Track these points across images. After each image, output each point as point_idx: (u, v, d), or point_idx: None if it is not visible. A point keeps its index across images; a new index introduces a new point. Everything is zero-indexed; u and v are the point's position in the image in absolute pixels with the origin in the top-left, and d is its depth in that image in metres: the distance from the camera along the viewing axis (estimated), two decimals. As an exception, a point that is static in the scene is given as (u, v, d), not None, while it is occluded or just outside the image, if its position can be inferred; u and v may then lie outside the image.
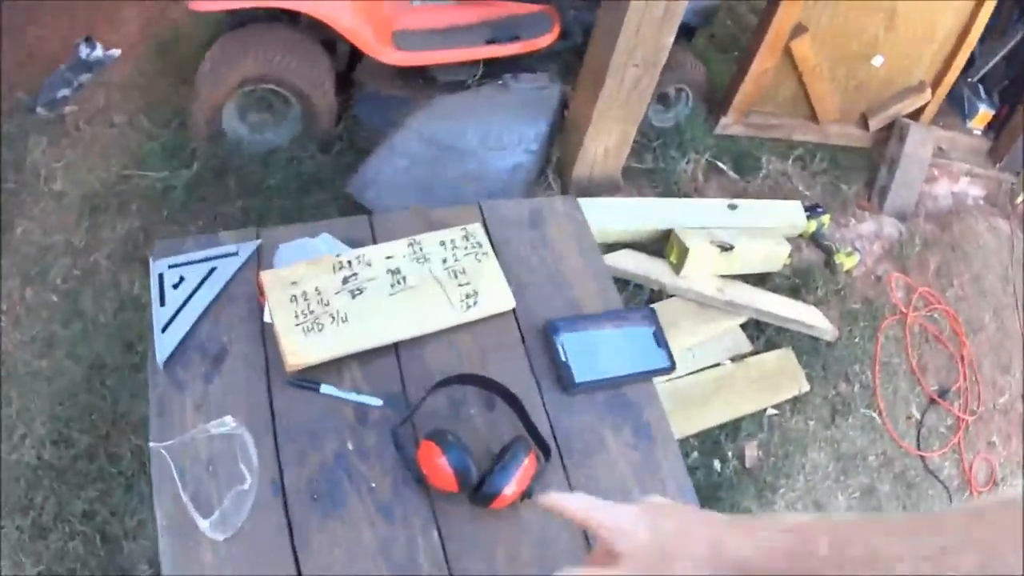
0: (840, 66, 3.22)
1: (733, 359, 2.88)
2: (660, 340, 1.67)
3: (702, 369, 2.82)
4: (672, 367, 1.64)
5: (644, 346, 1.66)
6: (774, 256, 3.00)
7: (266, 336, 1.52)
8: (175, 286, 1.57)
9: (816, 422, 2.88)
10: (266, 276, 1.50)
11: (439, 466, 1.35)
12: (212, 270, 1.60)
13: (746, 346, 2.92)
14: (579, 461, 1.51)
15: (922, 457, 2.93)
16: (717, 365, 2.86)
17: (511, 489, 1.35)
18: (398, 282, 1.55)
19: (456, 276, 1.59)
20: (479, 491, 1.36)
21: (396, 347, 1.55)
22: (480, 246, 1.64)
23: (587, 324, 1.65)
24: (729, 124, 3.35)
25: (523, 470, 1.36)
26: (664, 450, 1.55)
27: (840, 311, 3.13)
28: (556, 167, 2.98)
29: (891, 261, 3.35)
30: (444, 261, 1.60)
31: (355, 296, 1.51)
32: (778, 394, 2.85)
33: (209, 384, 1.47)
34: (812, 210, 3.21)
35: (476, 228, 1.67)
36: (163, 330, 1.51)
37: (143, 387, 1.51)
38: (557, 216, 1.84)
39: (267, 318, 1.50)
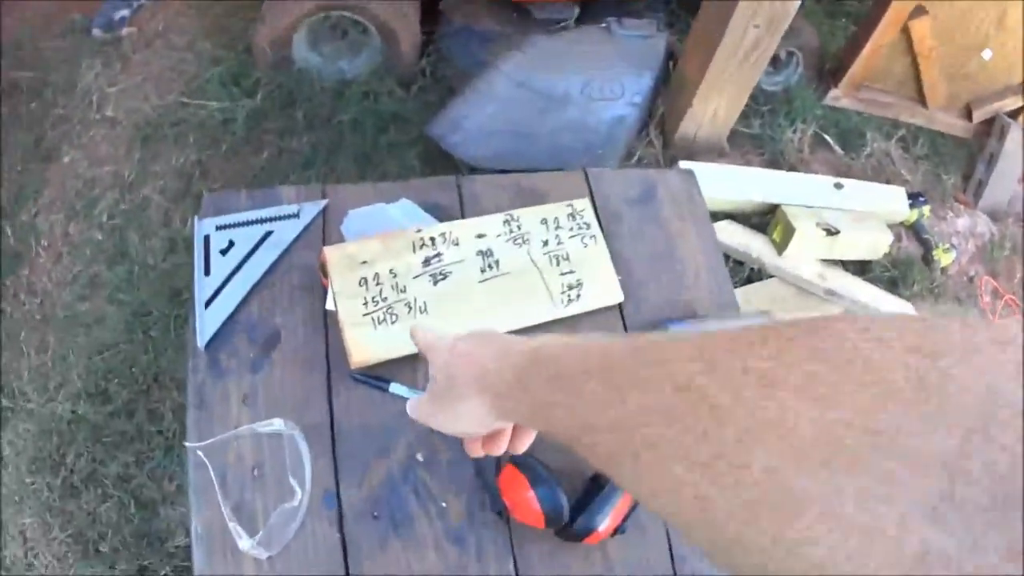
0: (952, 53, 3.03)
1: None
2: None
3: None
4: None
5: None
6: (876, 245, 2.77)
7: (329, 320, 1.28)
8: (223, 252, 1.32)
9: None
10: (331, 253, 1.23)
11: (526, 501, 1.12)
12: (267, 234, 1.35)
13: None
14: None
15: None
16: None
17: (605, 526, 1.14)
18: (490, 266, 1.28)
19: (558, 263, 1.32)
20: (570, 527, 1.14)
21: (482, 344, 1.30)
22: (587, 227, 1.37)
23: (700, 327, 1.40)
24: (839, 96, 3.12)
25: (619, 505, 1.15)
26: None
27: (933, 310, 2.90)
28: (658, 123, 2.69)
29: (983, 263, 3.11)
30: (545, 243, 1.33)
31: (438, 282, 1.25)
32: None
33: (257, 374, 1.24)
34: (915, 199, 2.97)
35: (584, 205, 1.39)
36: (206, 305, 1.27)
37: (190, 340, 1.29)
38: (672, 192, 1.55)
39: (330, 304, 1.24)
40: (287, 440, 1.19)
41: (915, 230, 3.01)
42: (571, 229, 1.35)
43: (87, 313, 2.30)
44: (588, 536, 1.14)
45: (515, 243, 1.31)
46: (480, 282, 1.27)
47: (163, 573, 2.04)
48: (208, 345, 1.25)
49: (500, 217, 1.33)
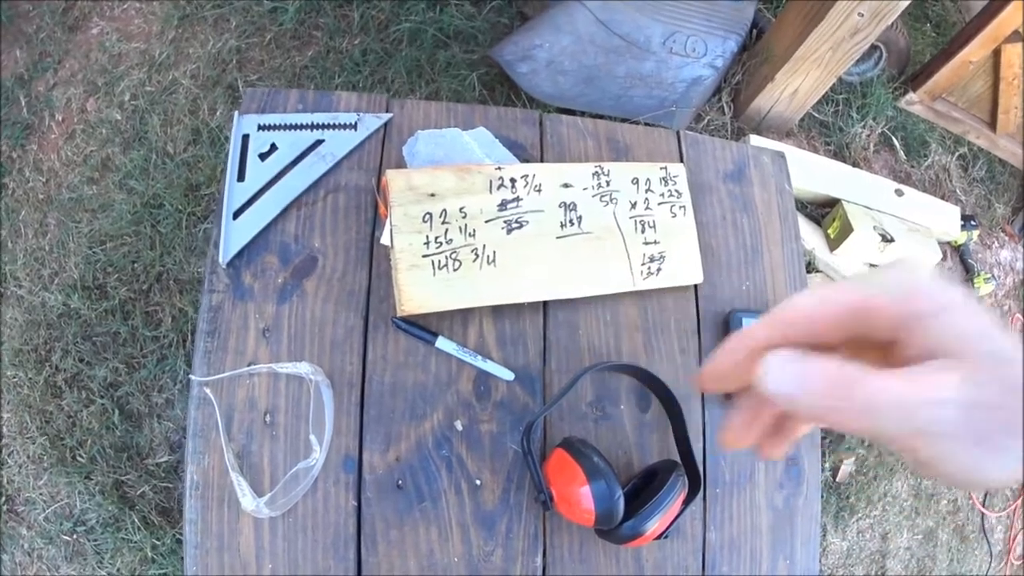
0: None
1: None
2: None
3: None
4: None
5: None
6: (925, 261, 2.65)
7: (376, 253, 1.11)
8: (263, 156, 1.14)
9: None
10: (395, 179, 1.05)
11: (577, 496, 0.97)
12: (317, 143, 1.17)
13: None
14: (723, 496, 1.17)
15: (983, 514, 2.69)
16: (842, 362, 2.50)
17: (651, 529, 1.00)
18: (571, 222, 1.11)
19: (644, 230, 1.15)
20: (617, 529, 1.00)
21: (544, 306, 1.13)
22: (679, 195, 1.19)
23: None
24: (914, 102, 2.98)
25: (672, 508, 1.02)
26: (807, 499, 1.21)
27: None
28: (732, 91, 2.51)
29: (1017, 299, 3.04)
30: (633, 206, 1.15)
31: (512, 230, 1.07)
32: None
33: (284, 304, 1.07)
34: (967, 221, 2.87)
35: (679, 170, 1.21)
36: (235, 215, 1.10)
37: (202, 242, 1.12)
38: (764, 173, 1.38)
39: (385, 239, 1.07)
40: (310, 387, 1.03)
41: (961, 253, 2.93)
42: (662, 195, 1.18)
43: (93, 198, 2.12)
44: (633, 540, 1.00)
45: (602, 200, 1.13)
46: (558, 238, 1.09)
47: (140, 491, 1.90)
48: (231, 263, 1.08)
49: (589, 168, 1.15)
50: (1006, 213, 3.11)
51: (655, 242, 1.15)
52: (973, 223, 2.86)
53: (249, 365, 1.04)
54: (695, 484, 1.09)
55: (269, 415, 1.03)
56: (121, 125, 2.20)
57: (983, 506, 2.66)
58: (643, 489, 1.04)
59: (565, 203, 1.11)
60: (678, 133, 1.33)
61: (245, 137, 1.16)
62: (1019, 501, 2.74)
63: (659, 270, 1.15)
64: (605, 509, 0.97)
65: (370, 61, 2.31)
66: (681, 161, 1.29)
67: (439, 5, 2.39)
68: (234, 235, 1.10)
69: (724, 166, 1.35)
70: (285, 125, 1.17)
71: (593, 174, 1.14)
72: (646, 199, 1.16)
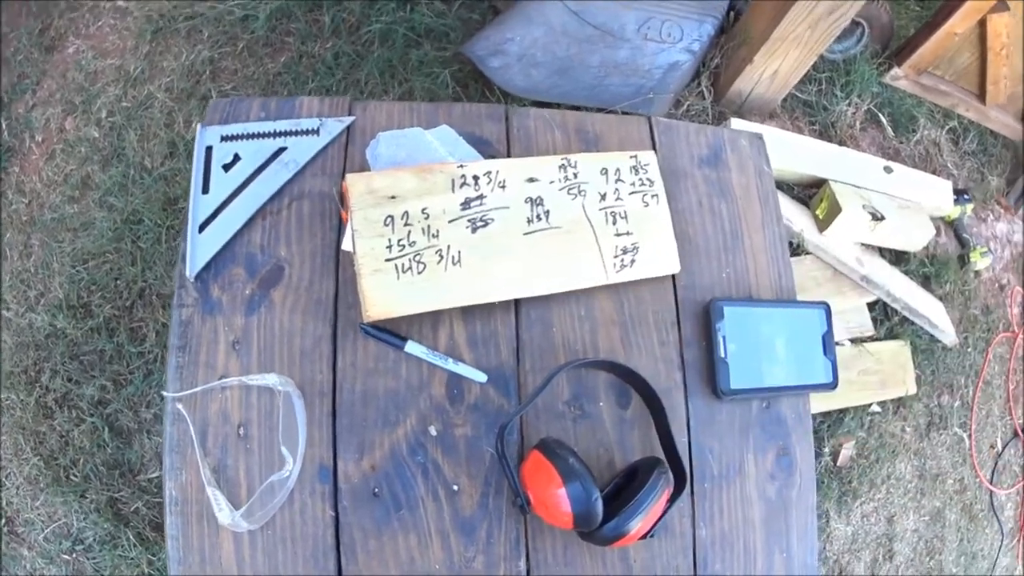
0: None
1: (853, 341, 2.53)
2: (828, 347, 1.27)
3: (822, 345, 2.46)
4: (834, 384, 1.26)
5: (810, 352, 1.26)
6: (918, 237, 2.63)
7: (342, 260, 1.09)
8: (226, 167, 1.13)
9: (912, 431, 2.58)
10: (355, 182, 1.03)
11: (553, 499, 0.96)
12: (280, 151, 1.15)
13: (869, 329, 2.57)
14: (711, 490, 1.15)
15: (991, 492, 2.65)
16: (836, 344, 2.46)
17: (636, 530, 0.98)
18: (538, 216, 1.09)
19: (615, 221, 1.13)
20: (598, 531, 0.99)
21: (516, 304, 1.12)
22: (651, 184, 1.17)
23: (755, 313, 1.23)
24: (899, 77, 2.94)
25: (655, 507, 1.00)
26: (801, 489, 1.20)
27: (962, 314, 2.77)
28: (711, 75, 2.49)
29: (1016, 272, 2.99)
30: (603, 197, 1.14)
31: (477, 229, 1.06)
32: (886, 391, 2.53)
33: (253, 315, 1.06)
34: (959, 195, 2.84)
35: (649, 158, 1.19)
36: (200, 228, 1.08)
37: (179, 268, 1.12)
38: (741, 156, 1.36)
39: (347, 244, 1.05)
40: (280, 398, 1.01)
41: (955, 227, 2.89)
42: (633, 184, 1.16)
43: (75, 217, 2.12)
44: (617, 541, 0.99)
45: (569, 193, 1.12)
46: (525, 234, 1.08)
47: (134, 507, 1.90)
48: (199, 276, 1.06)
49: (556, 160, 1.13)
50: (1000, 185, 3.07)
51: (627, 233, 1.13)
52: (966, 197, 2.83)
53: (221, 379, 1.04)
54: (680, 480, 1.07)
55: (243, 428, 1.02)
56: (99, 142, 2.20)
57: (991, 484, 2.63)
58: (625, 488, 1.03)
59: (531, 198, 1.09)
60: (650, 120, 1.31)
61: (208, 149, 1.15)
62: None
63: (633, 262, 1.13)
64: (582, 511, 0.95)
65: (343, 64, 2.29)
66: (653, 148, 1.27)
67: (409, 4, 2.37)
68: (200, 248, 1.09)
69: (699, 151, 1.33)
70: (247, 134, 1.16)
71: (560, 167, 1.12)
72: (616, 189, 1.15)
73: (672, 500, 1.04)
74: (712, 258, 1.25)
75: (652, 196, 1.17)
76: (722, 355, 1.17)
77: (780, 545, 1.15)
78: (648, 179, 1.17)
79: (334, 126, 1.17)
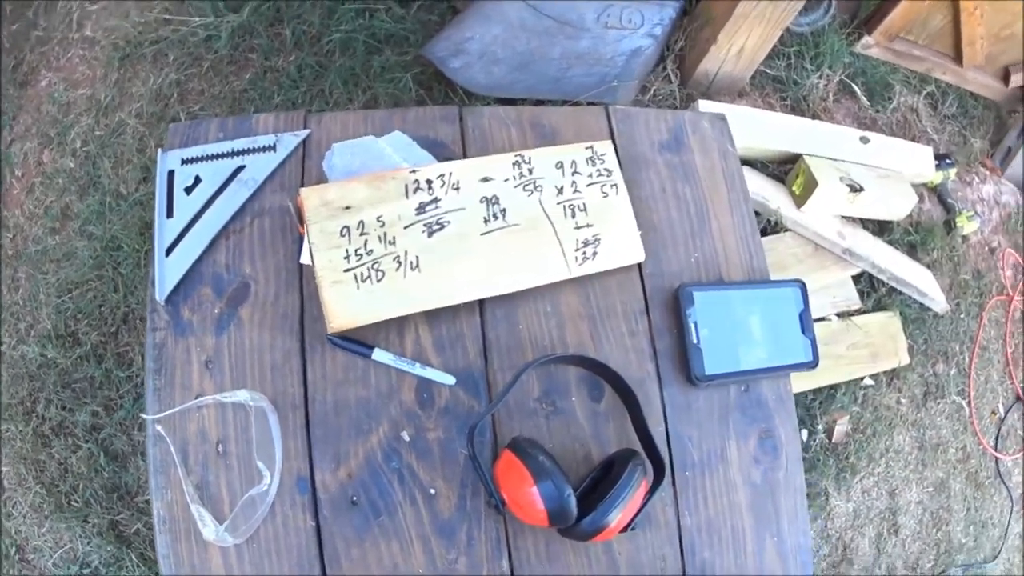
0: (999, 13, 2.81)
1: (840, 315, 2.52)
2: (806, 325, 1.27)
3: (808, 323, 2.45)
4: (815, 363, 1.26)
5: (787, 332, 1.26)
6: (900, 206, 2.61)
7: (306, 275, 1.10)
8: (188, 190, 1.14)
9: (908, 402, 2.56)
10: (309, 196, 1.05)
11: (528, 498, 0.97)
12: (239, 169, 1.17)
13: (856, 303, 2.56)
14: (693, 478, 1.15)
15: (996, 459, 2.63)
16: (823, 319, 2.49)
17: (616, 523, 0.99)
18: (495, 216, 1.10)
19: (574, 214, 1.14)
20: (576, 526, 1.00)
21: (480, 305, 1.13)
22: (609, 174, 1.18)
23: (726, 296, 1.24)
24: (870, 45, 2.91)
25: (633, 499, 1.01)
26: (787, 471, 1.20)
27: (952, 280, 2.76)
28: (676, 58, 2.49)
29: (1006, 234, 2.95)
30: (560, 191, 1.15)
31: (433, 233, 1.07)
32: (878, 363, 2.51)
33: (223, 334, 1.07)
34: (941, 160, 2.81)
35: (606, 148, 1.20)
36: (167, 252, 1.10)
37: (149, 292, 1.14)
38: (703, 139, 1.36)
39: (305, 258, 1.07)
40: (254, 413, 1.03)
41: (939, 193, 2.87)
42: (590, 175, 1.17)
43: (57, 247, 2.14)
44: (596, 535, 1.00)
45: (525, 189, 1.13)
46: (483, 234, 1.09)
47: (135, 528, 1.93)
48: (169, 299, 1.08)
49: (509, 158, 1.14)
50: (984, 147, 3.04)
51: (587, 225, 1.15)
52: (949, 161, 2.81)
53: (196, 398, 1.05)
54: (659, 470, 1.08)
55: (221, 445, 1.04)
56: (75, 172, 2.22)
57: (996, 450, 2.63)
58: (602, 481, 1.04)
59: (486, 197, 1.10)
60: (607, 109, 1.32)
61: (170, 173, 1.17)
62: None
63: (595, 254, 1.14)
64: (556, 508, 0.96)
65: (307, 76, 2.31)
66: (612, 138, 1.28)
67: (368, 11, 2.38)
68: (168, 272, 1.10)
69: (659, 136, 1.33)
70: (207, 156, 1.18)
71: (514, 164, 1.14)
72: (573, 182, 1.16)
73: (652, 491, 1.05)
74: (679, 244, 1.26)
75: (611, 186, 1.18)
76: (695, 341, 1.18)
77: (770, 529, 1.16)
78: (606, 169, 1.18)
79: (289, 140, 1.18)
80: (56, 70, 2.39)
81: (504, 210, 1.11)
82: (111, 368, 2.01)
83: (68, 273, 2.10)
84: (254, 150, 1.17)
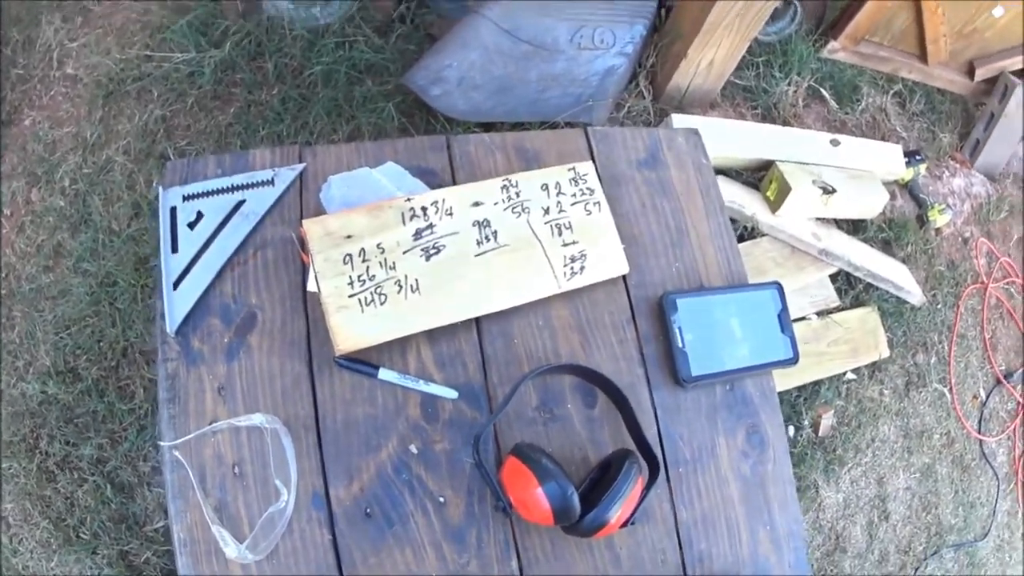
0: (961, 9, 2.90)
1: (819, 314, 2.59)
2: (784, 324, 1.35)
3: (788, 322, 2.50)
4: (795, 359, 1.34)
5: (767, 331, 1.34)
6: (872, 204, 2.68)
7: (309, 299, 1.16)
8: (191, 225, 1.20)
9: (891, 392, 2.64)
10: (312, 228, 1.11)
11: (533, 499, 1.03)
12: (239, 204, 1.22)
13: (834, 300, 2.62)
14: (687, 474, 1.22)
15: (980, 441, 2.72)
16: (803, 319, 2.56)
17: (615, 519, 1.06)
18: (487, 238, 1.17)
19: (560, 232, 1.21)
20: (579, 523, 1.06)
21: (477, 322, 1.19)
22: (591, 192, 1.25)
23: (708, 301, 1.31)
24: (837, 49, 2.98)
25: (631, 496, 1.07)
26: (775, 463, 1.27)
27: (927, 272, 2.84)
28: (649, 74, 2.56)
29: (978, 224, 3.05)
30: (546, 211, 1.21)
31: (430, 256, 1.13)
32: (859, 358, 2.58)
33: (233, 362, 1.13)
34: (911, 157, 2.88)
35: (587, 168, 1.27)
36: (175, 285, 1.15)
37: (156, 312, 1.19)
38: (678, 154, 1.44)
39: (311, 286, 1.13)
40: (268, 435, 1.08)
41: (910, 189, 2.94)
42: (574, 195, 1.24)
43: (52, 285, 2.17)
44: (598, 531, 1.06)
45: (514, 212, 1.19)
46: (477, 256, 1.15)
47: (144, 558, 1.96)
48: (179, 330, 1.13)
49: (497, 183, 1.21)
50: (953, 141, 3.13)
51: (574, 242, 1.21)
52: (918, 157, 2.89)
53: (211, 424, 1.10)
54: (654, 468, 1.14)
55: (237, 467, 1.08)
56: (66, 210, 2.25)
57: (979, 433, 2.70)
58: (600, 481, 1.10)
59: (478, 221, 1.17)
60: (586, 130, 1.39)
61: (173, 209, 1.22)
62: (1017, 420, 2.78)
63: (582, 268, 1.21)
64: (560, 506, 1.02)
65: (290, 108, 2.36)
66: (591, 158, 1.35)
67: (347, 43, 2.44)
68: (177, 304, 1.15)
69: (636, 154, 1.40)
70: (207, 192, 1.23)
71: (502, 188, 1.20)
72: (558, 202, 1.22)
73: (648, 487, 1.11)
74: (660, 255, 1.33)
75: (594, 204, 1.25)
76: (680, 345, 1.25)
77: (762, 519, 1.22)
78: (588, 188, 1.25)
79: (287, 174, 1.24)
80: (40, 108, 2.42)
81: (495, 232, 1.17)
82: (113, 401, 2.04)
83: (65, 310, 2.13)
84: (253, 185, 1.23)
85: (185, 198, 1.22)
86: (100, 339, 2.10)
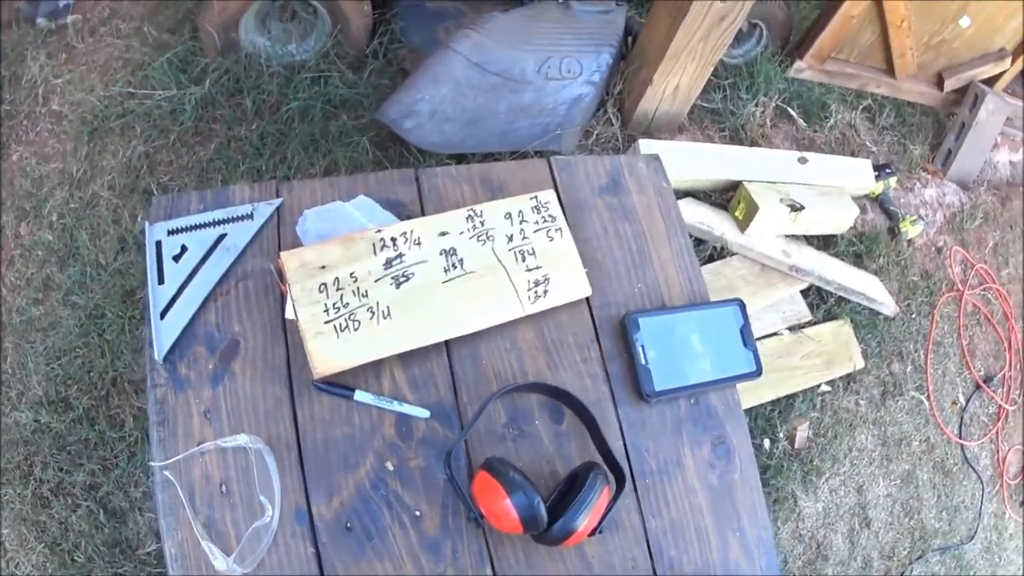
0: (927, 22, 2.96)
1: (791, 329, 2.64)
2: (747, 338, 1.41)
3: (760, 338, 2.54)
4: (759, 372, 1.40)
5: (730, 346, 1.40)
6: (842, 219, 2.74)
7: (288, 326, 1.23)
8: (176, 258, 1.27)
9: (867, 403, 2.68)
10: (289, 259, 1.19)
11: (503, 509, 1.10)
12: (221, 237, 1.30)
13: (806, 315, 2.67)
14: (654, 485, 1.28)
15: (962, 445, 2.76)
16: (775, 334, 2.61)
17: (583, 527, 1.12)
18: (453, 266, 1.24)
19: (524, 258, 1.29)
20: (548, 532, 1.13)
21: (447, 345, 1.26)
22: (553, 219, 1.33)
23: (669, 319, 1.38)
24: (803, 69, 3.04)
25: (597, 505, 1.13)
26: (742, 472, 1.33)
27: (900, 283, 2.89)
28: (616, 101, 2.64)
29: (951, 233, 3.10)
30: (510, 239, 1.29)
31: (400, 284, 1.21)
32: (833, 370, 2.63)
33: (218, 387, 1.19)
34: (881, 170, 2.95)
35: (549, 196, 1.35)
36: (162, 315, 1.22)
37: (144, 342, 1.25)
38: (639, 179, 1.52)
39: (289, 313, 1.20)
40: (253, 455, 1.15)
41: (881, 202, 2.98)
42: (536, 223, 1.32)
43: (42, 317, 2.23)
44: (567, 539, 1.12)
45: (479, 240, 1.27)
46: (444, 283, 1.23)
47: (138, 579, 2.01)
48: (166, 358, 1.20)
49: (463, 213, 1.28)
50: (924, 152, 3.18)
51: (537, 267, 1.29)
52: (889, 171, 2.94)
53: (199, 445, 1.16)
54: (620, 479, 1.21)
55: (224, 485, 1.15)
56: (54, 244, 2.31)
57: (960, 438, 2.73)
58: (568, 493, 1.16)
59: (445, 250, 1.24)
60: (548, 160, 1.47)
61: (158, 243, 1.29)
62: (999, 424, 2.81)
63: (546, 292, 1.28)
64: (528, 515, 1.09)
65: (268, 144, 2.44)
66: (555, 186, 1.43)
67: (323, 79, 2.52)
68: (164, 333, 1.22)
69: (599, 181, 1.48)
70: (191, 226, 1.30)
71: (467, 218, 1.28)
72: (521, 230, 1.30)
73: (615, 497, 1.17)
74: (623, 277, 1.41)
75: (556, 230, 1.32)
76: (643, 362, 1.31)
77: (731, 526, 1.28)
78: (550, 215, 1.33)
79: (265, 209, 1.31)
80: (26, 144, 2.48)
81: (462, 260, 1.25)
82: (104, 430, 2.10)
83: (55, 341, 2.19)
84: (233, 219, 1.30)
85: (170, 232, 1.29)
86: (90, 369, 2.16)
